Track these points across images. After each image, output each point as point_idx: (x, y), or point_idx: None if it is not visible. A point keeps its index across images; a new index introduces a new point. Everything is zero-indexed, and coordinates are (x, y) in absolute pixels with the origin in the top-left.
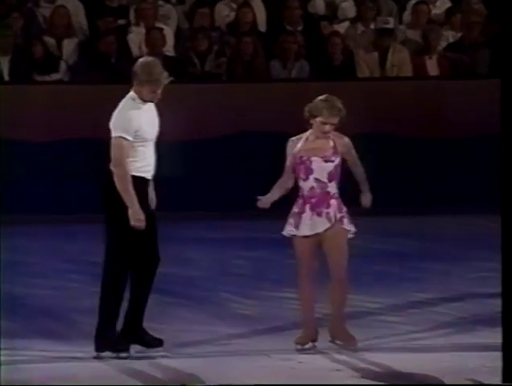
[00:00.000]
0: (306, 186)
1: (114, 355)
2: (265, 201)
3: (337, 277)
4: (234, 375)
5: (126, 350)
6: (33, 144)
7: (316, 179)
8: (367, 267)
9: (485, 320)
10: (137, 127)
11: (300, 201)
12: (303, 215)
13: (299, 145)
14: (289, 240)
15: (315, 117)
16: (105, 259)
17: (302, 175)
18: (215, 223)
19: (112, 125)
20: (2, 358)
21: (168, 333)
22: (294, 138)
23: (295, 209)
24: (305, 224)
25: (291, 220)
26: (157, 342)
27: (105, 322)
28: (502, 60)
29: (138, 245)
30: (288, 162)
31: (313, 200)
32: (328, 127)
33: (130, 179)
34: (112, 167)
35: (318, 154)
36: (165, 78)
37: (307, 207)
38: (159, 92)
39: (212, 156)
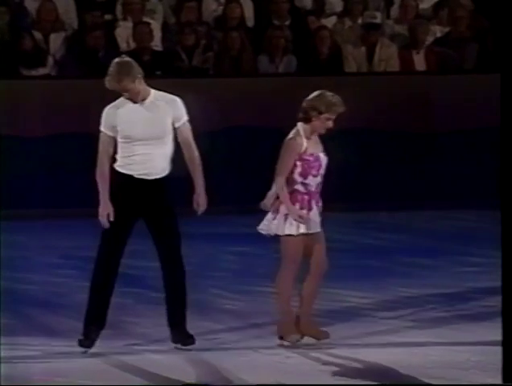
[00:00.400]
0: (315, 182)
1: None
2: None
3: (321, 271)
4: (222, 370)
5: (88, 346)
6: (21, 138)
7: (322, 175)
8: (355, 262)
9: (472, 315)
10: (116, 124)
11: (306, 198)
12: (312, 213)
13: (304, 142)
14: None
15: (320, 113)
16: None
17: (314, 172)
18: (202, 218)
19: None
20: (2, 354)
21: (156, 328)
22: (292, 136)
23: (303, 207)
24: (314, 221)
25: (299, 218)
26: (190, 341)
27: (87, 317)
28: (502, 55)
29: (156, 245)
30: (290, 160)
31: (317, 196)
32: (331, 123)
33: (104, 173)
34: None
35: (320, 149)
36: (110, 81)
37: (313, 203)
38: (125, 93)
39: (198, 151)
